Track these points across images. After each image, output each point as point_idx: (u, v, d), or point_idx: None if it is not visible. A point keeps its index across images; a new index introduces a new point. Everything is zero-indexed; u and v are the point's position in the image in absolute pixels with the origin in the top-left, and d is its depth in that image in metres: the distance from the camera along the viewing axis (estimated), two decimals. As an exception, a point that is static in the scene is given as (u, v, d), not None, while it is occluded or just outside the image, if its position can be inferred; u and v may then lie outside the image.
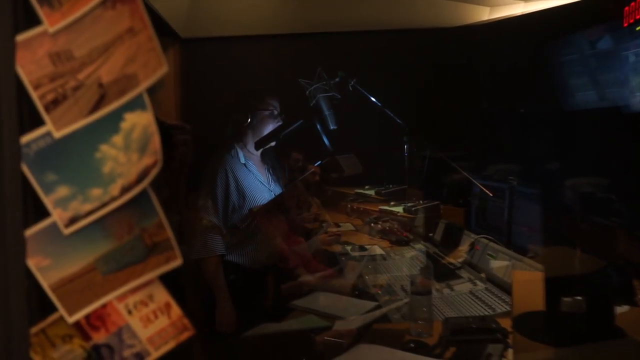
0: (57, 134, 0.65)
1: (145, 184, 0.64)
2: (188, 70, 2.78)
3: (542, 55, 3.20)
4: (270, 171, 2.54)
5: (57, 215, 0.66)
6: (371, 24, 3.23)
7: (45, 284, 0.67)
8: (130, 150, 0.63)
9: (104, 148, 0.64)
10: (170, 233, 0.66)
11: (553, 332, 1.45)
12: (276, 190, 2.51)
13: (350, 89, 2.61)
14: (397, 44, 3.27)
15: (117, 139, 0.64)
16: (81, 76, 0.63)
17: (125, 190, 0.64)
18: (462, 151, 2.82)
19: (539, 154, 2.76)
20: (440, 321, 1.78)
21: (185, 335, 0.68)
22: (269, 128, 2.41)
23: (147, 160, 0.63)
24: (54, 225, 0.67)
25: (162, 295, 0.68)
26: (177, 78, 2.81)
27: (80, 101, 0.63)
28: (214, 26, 2.89)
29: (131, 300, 0.68)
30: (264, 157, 2.53)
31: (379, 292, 2.22)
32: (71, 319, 0.68)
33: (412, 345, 1.66)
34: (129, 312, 0.68)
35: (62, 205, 0.66)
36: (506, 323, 1.71)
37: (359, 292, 2.23)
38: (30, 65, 0.63)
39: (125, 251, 0.66)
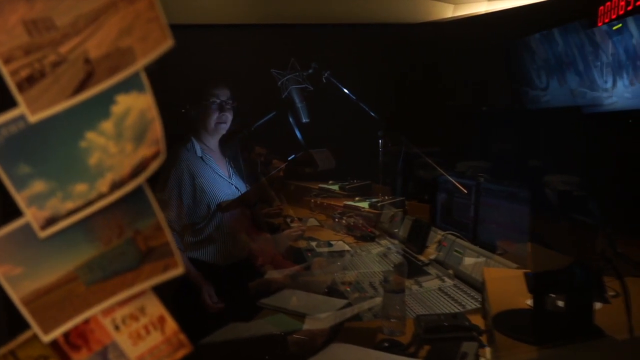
0: (33, 118, 0.53)
1: (141, 179, 0.54)
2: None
3: (506, 54, 3.24)
4: (231, 164, 2.45)
5: (32, 215, 0.55)
6: (333, 17, 3.18)
7: (15, 297, 0.55)
8: (123, 139, 0.53)
9: (91, 136, 0.53)
10: (169, 236, 0.57)
11: (525, 329, 1.45)
12: (238, 183, 2.43)
13: (324, 81, 2.55)
14: (364, 39, 3.24)
15: (107, 125, 0.53)
16: (63, 49, 0.52)
17: (116, 186, 0.54)
18: (432, 147, 2.82)
19: (506, 151, 2.80)
20: (412, 319, 1.76)
21: (181, 353, 0.59)
22: (213, 119, 2.31)
23: (144, 151, 0.53)
24: (27, 227, 0.55)
25: (155, 307, 0.58)
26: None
27: (61, 79, 0.52)
28: (175, 13, 2.76)
29: (119, 314, 0.58)
30: (224, 150, 2.44)
31: (348, 289, 2.18)
32: (47, 338, 0.57)
33: (386, 344, 1.63)
34: (117, 328, 0.58)
35: (37, 203, 0.55)
36: (476, 320, 1.71)
37: (329, 289, 2.18)
38: (0, 34, 0.52)
39: (114, 257, 0.56)
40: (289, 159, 2.60)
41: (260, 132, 2.38)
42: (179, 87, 2.37)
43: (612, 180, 2.11)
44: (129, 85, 0.53)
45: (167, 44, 0.52)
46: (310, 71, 2.55)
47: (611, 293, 1.62)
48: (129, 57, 0.52)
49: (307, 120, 2.47)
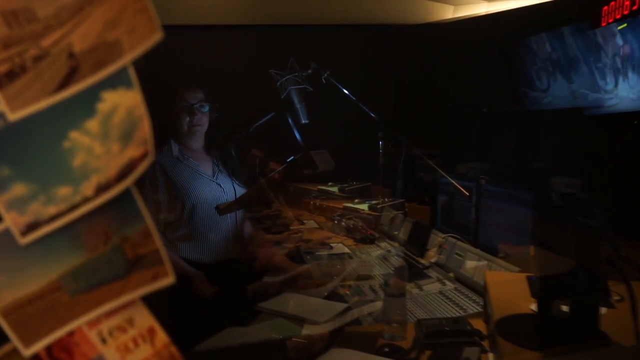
0: (13, 116, 0.50)
1: (129, 181, 0.50)
2: (146, 59, 2.62)
3: (506, 55, 3.22)
4: (218, 163, 2.45)
5: (12, 220, 0.51)
6: (333, 18, 3.17)
7: (-6, 308, 0.52)
8: (109, 139, 0.50)
9: (75, 135, 0.50)
10: (159, 243, 0.53)
11: (528, 334, 1.41)
12: (224, 182, 2.42)
13: (324, 81, 2.52)
14: (364, 39, 3.23)
15: (92, 124, 0.50)
16: (46, 43, 0.49)
17: (102, 189, 0.50)
18: (432, 149, 2.80)
19: (507, 153, 2.77)
20: (413, 323, 1.72)
21: (172, 367, 0.55)
22: (185, 122, 2.33)
23: (132, 152, 0.50)
24: (6, 233, 0.51)
25: (144, 318, 0.55)
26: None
27: (44, 75, 0.49)
28: (174, 13, 2.75)
29: (106, 325, 0.54)
30: (209, 150, 2.45)
31: (348, 292, 2.15)
32: (28, 351, 0.53)
33: (386, 349, 1.60)
34: (103, 341, 0.54)
35: (18, 207, 0.51)
36: (478, 324, 1.68)
37: (328, 292, 2.15)
38: (-23, 26, 0.48)
39: (100, 265, 0.52)
40: (288, 160, 2.57)
41: (259, 133, 2.35)
42: (159, 90, 2.37)
43: (616, 182, 2.08)
44: (116, 81, 0.50)
45: (156, 36, 0.49)
46: (309, 71, 2.51)
47: (616, 297, 1.59)
48: (116, 51, 0.49)
49: (307, 121, 2.44)
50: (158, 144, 2.31)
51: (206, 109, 2.37)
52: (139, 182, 1.84)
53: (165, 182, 2.27)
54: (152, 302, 0.60)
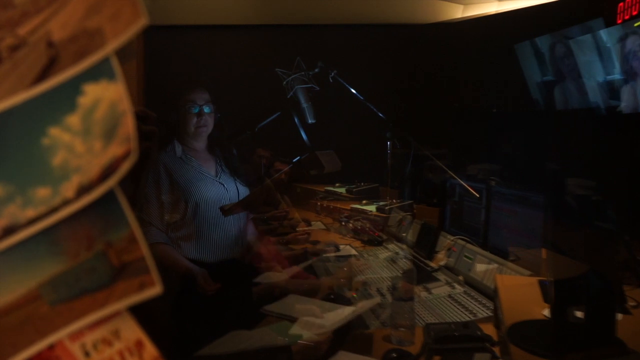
0: None
1: (112, 182, 0.46)
2: (151, 59, 2.61)
3: (516, 55, 3.17)
4: (221, 163, 2.45)
5: None
6: (342, 17, 3.14)
7: (-33, 319, 0.48)
8: (91, 136, 0.46)
9: (55, 132, 0.46)
10: (145, 250, 0.49)
11: (541, 341, 1.37)
12: (227, 181, 2.42)
13: (331, 80, 2.48)
14: (372, 39, 3.20)
15: (73, 119, 0.46)
16: (23, 31, 0.45)
17: (83, 190, 0.46)
18: (441, 150, 2.76)
19: (518, 154, 2.72)
20: (421, 327, 1.69)
21: (162, 382, 0.51)
22: (192, 124, 2.34)
23: (115, 150, 0.46)
24: None
25: (131, 330, 0.50)
26: (140, 67, 2.63)
27: (20, 66, 0.45)
28: (181, 14, 2.73)
29: (89, 338, 0.50)
30: (212, 150, 2.45)
31: (355, 295, 2.12)
32: None
33: (394, 354, 1.57)
34: (87, 355, 0.50)
35: (-7, 210, 0.47)
36: (488, 329, 1.64)
37: (335, 296, 2.12)
38: (-52, 13, 0.44)
39: (83, 273, 0.48)
40: (294, 160, 2.55)
41: (265, 133, 2.32)
42: (165, 91, 2.37)
43: (632, 184, 2.02)
44: (98, 72, 0.45)
45: (140, 22, 0.45)
46: (316, 70, 2.48)
47: (632, 303, 1.54)
48: (98, 40, 0.45)
49: (313, 121, 2.41)
50: (161, 144, 2.30)
51: (212, 110, 2.38)
52: (146, 184, 1.80)
53: (169, 182, 2.27)
54: (154, 303, 0.57)
